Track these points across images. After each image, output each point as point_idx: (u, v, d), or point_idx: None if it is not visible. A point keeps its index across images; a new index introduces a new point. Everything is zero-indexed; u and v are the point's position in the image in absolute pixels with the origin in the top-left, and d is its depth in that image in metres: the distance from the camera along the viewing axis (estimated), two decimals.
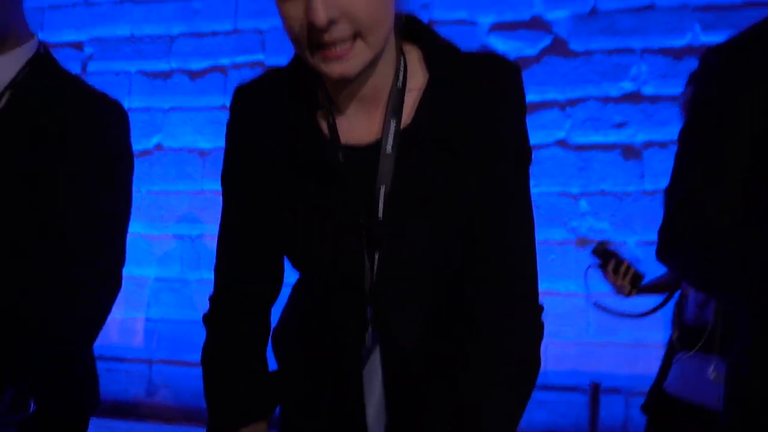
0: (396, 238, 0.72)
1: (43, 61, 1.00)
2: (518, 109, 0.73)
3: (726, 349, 1.24)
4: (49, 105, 0.97)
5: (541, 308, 0.74)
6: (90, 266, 0.99)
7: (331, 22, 0.60)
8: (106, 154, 1.00)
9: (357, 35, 0.62)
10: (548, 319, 2.03)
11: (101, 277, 1.01)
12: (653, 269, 1.20)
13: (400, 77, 0.72)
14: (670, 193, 0.88)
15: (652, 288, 1.53)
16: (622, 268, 1.46)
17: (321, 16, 0.59)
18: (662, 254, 0.87)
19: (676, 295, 1.45)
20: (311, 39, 0.62)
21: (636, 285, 1.45)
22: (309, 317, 0.82)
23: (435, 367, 0.78)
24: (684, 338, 1.38)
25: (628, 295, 1.48)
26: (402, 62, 0.73)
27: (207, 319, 0.82)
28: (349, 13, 0.61)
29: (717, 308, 1.33)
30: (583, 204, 1.88)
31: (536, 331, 0.73)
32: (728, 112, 0.81)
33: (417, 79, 0.73)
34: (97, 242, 0.99)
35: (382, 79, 0.72)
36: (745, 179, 0.83)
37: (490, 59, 0.73)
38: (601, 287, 1.83)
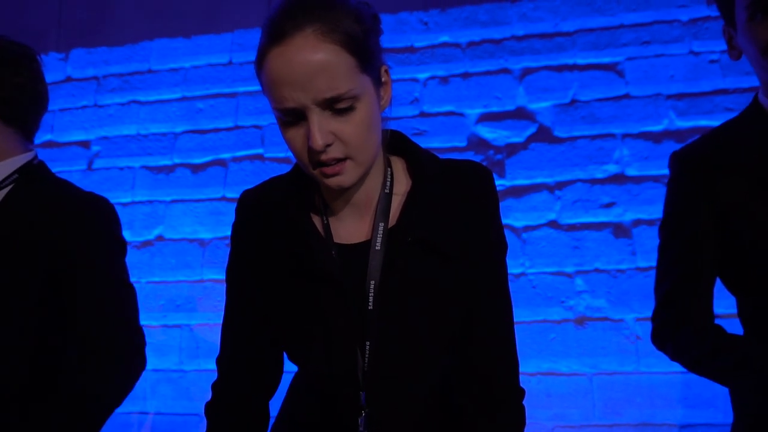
0: (386, 328, 0.77)
1: (34, 169, 1.09)
2: (494, 208, 0.83)
3: None
4: (37, 206, 1.05)
5: (522, 392, 0.80)
6: (109, 353, 1.00)
7: (327, 145, 0.70)
8: (98, 247, 1.05)
9: (348, 157, 0.72)
10: (553, 401, 2.00)
11: (124, 360, 1.02)
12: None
13: (388, 184, 0.81)
14: (656, 287, 1.02)
15: None
16: None
17: (318, 141, 0.69)
18: (656, 343, 1.00)
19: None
20: (311, 157, 0.71)
21: None
22: (306, 406, 0.84)
23: None
24: None
25: None
26: (389, 171, 0.83)
27: (209, 407, 0.85)
28: (341, 138, 0.71)
29: None
30: (579, 282, 1.91)
31: (519, 415, 0.80)
32: (695, 217, 0.97)
33: (402, 185, 0.83)
34: (109, 331, 1.01)
35: (372, 186, 0.81)
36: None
37: (465, 165, 0.84)
38: (605, 367, 1.82)
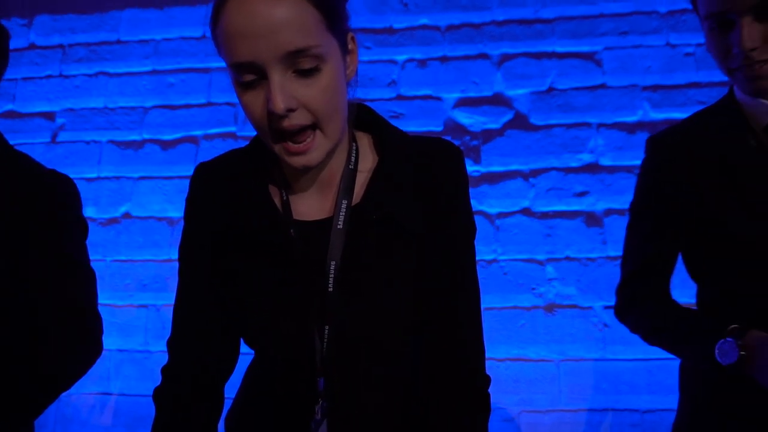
0: (346, 311, 0.73)
1: None
2: (464, 187, 0.79)
3: None
4: None
5: (488, 379, 0.77)
6: (64, 335, 0.96)
7: (290, 110, 0.64)
8: (57, 228, 0.99)
9: (315, 125, 0.66)
10: (520, 386, 2.02)
11: (79, 345, 0.98)
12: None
13: (352, 160, 0.77)
14: (623, 264, 1.06)
15: None
16: None
17: (279, 105, 0.62)
18: (618, 315, 1.07)
19: None
20: (272, 126, 0.65)
21: None
22: (262, 391, 0.81)
23: None
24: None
25: None
26: (354, 146, 0.78)
27: (158, 393, 0.80)
28: (305, 103, 0.65)
29: None
30: (550, 270, 1.92)
31: (484, 402, 0.77)
32: (663, 201, 1.00)
33: (367, 161, 0.78)
34: (64, 314, 0.97)
35: (336, 162, 0.76)
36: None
37: (435, 143, 0.79)
38: (572, 353, 1.84)
